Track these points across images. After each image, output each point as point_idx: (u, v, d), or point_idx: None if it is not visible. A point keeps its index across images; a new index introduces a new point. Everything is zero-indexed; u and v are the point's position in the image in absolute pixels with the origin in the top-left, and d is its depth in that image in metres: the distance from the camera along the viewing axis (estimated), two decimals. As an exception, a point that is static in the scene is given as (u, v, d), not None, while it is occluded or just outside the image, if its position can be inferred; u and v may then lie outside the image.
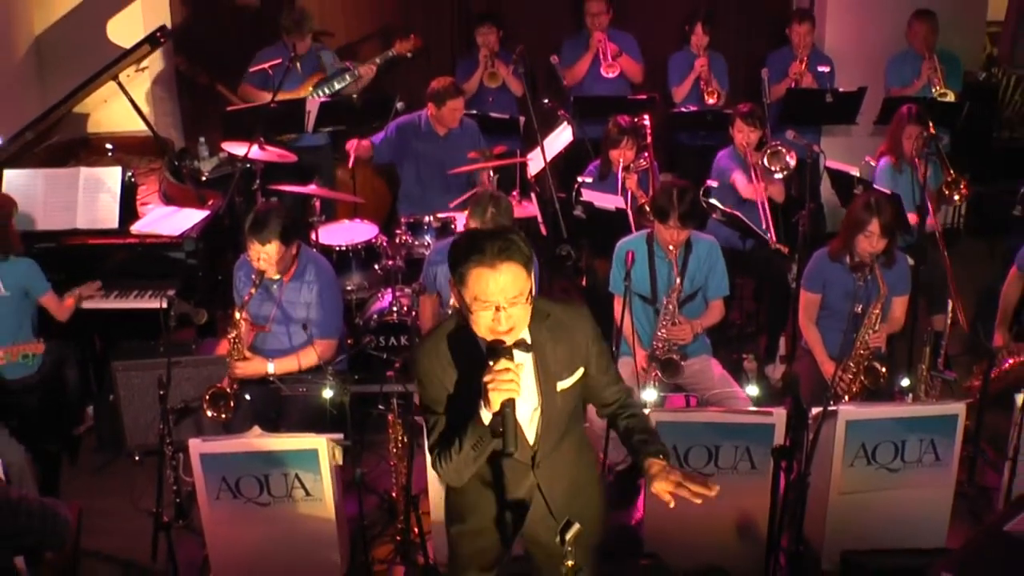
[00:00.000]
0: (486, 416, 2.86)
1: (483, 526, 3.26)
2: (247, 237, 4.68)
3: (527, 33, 7.65)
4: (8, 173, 5.92)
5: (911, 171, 6.00)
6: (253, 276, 4.73)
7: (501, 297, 2.81)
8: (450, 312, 4.92)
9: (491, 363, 2.80)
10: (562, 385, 3.07)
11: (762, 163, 6.06)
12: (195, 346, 5.52)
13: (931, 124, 5.96)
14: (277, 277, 4.83)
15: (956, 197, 5.84)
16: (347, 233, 6.36)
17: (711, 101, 7.20)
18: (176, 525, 4.76)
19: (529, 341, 2.94)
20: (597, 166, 6.28)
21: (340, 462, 4.33)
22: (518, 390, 2.81)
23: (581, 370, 3.10)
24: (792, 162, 6.07)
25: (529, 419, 3.04)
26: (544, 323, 3.01)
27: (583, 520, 2.95)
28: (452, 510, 3.37)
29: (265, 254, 4.66)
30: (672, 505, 2.93)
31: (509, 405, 2.80)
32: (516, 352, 2.85)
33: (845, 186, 6.03)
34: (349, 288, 5.94)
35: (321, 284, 4.91)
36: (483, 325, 2.86)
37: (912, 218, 5.74)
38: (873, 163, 6.18)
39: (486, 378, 2.80)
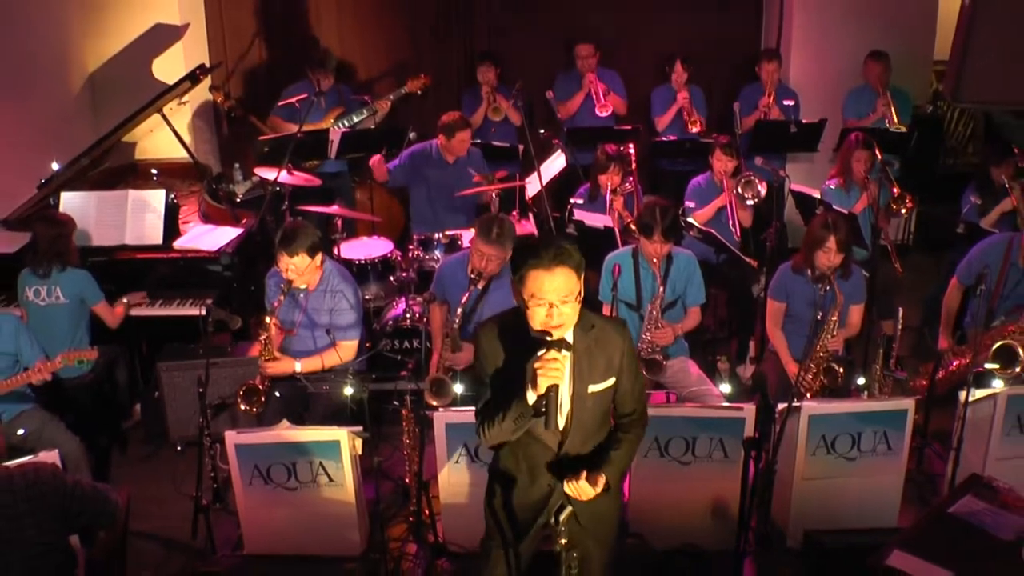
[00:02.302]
0: (531, 396, 2.91)
1: (516, 501, 3.27)
2: (277, 250, 4.67)
3: (523, 69, 7.64)
4: (65, 195, 5.94)
5: (858, 191, 6.02)
6: (282, 285, 4.73)
7: (555, 296, 2.90)
8: (456, 320, 4.96)
9: (542, 352, 2.87)
10: (593, 388, 3.09)
11: (736, 191, 6.07)
12: (230, 349, 5.53)
13: (878, 149, 5.98)
14: (303, 286, 4.82)
15: (903, 211, 5.86)
16: (365, 248, 6.37)
17: (694, 130, 7.17)
18: (214, 507, 4.76)
19: (571, 343, 2.98)
20: (588, 189, 6.27)
21: (359, 452, 4.35)
22: (562, 377, 2.89)
23: (613, 379, 3.13)
24: (763, 191, 6.07)
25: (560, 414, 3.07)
26: (589, 332, 3.06)
27: (603, 513, 3.12)
28: (491, 488, 3.38)
29: (293, 265, 4.66)
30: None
31: (553, 390, 2.87)
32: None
33: (807, 207, 6.04)
34: (367, 297, 5.94)
35: (343, 293, 4.89)
36: (538, 320, 2.93)
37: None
38: (828, 186, 6.21)
39: (536, 364, 2.86)
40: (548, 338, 2.91)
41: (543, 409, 2.92)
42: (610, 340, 3.12)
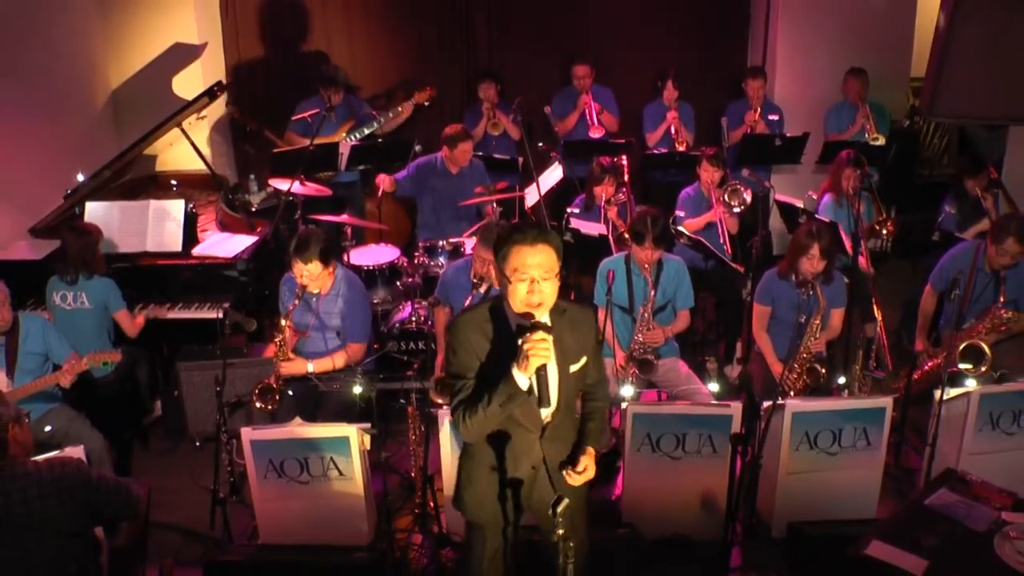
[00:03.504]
0: (520, 377, 2.89)
1: (497, 490, 3.26)
2: (292, 257, 4.68)
3: (522, 86, 7.65)
4: (89, 205, 5.95)
5: (848, 206, 6.04)
6: (296, 290, 4.74)
7: (537, 271, 2.90)
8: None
9: (529, 333, 2.86)
10: (573, 368, 3.12)
11: (724, 199, 6.08)
12: (246, 349, 5.51)
13: (866, 166, 6.00)
14: (316, 291, 4.84)
15: (884, 232, 5.87)
16: (374, 255, 6.37)
17: (681, 149, 7.20)
18: (230, 500, 4.76)
19: (549, 325, 2.98)
20: (583, 199, 6.29)
21: (368, 447, 4.36)
22: (551, 356, 2.88)
23: (585, 358, 3.15)
24: (748, 199, 6.08)
25: None
26: (562, 317, 3.08)
27: (578, 490, 3.08)
28: (464, 476, 3.35)
29: (307, 271, 4.67)
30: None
31: (543, 369, 2.87)
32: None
33: (791, 216, 6.05)
34: (375, 301, 5.94)
35: (353, 297, 4.92)
36: (519, 296, 2.93)
37: (848, 243, 5.78)
38: (815, 197, 6.21)
39: (525, 345, 2.84)
40: (531, 320, 2.91)
41: (535, 389, 2.91)
42: (581, 322, 3.15)
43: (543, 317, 2.99)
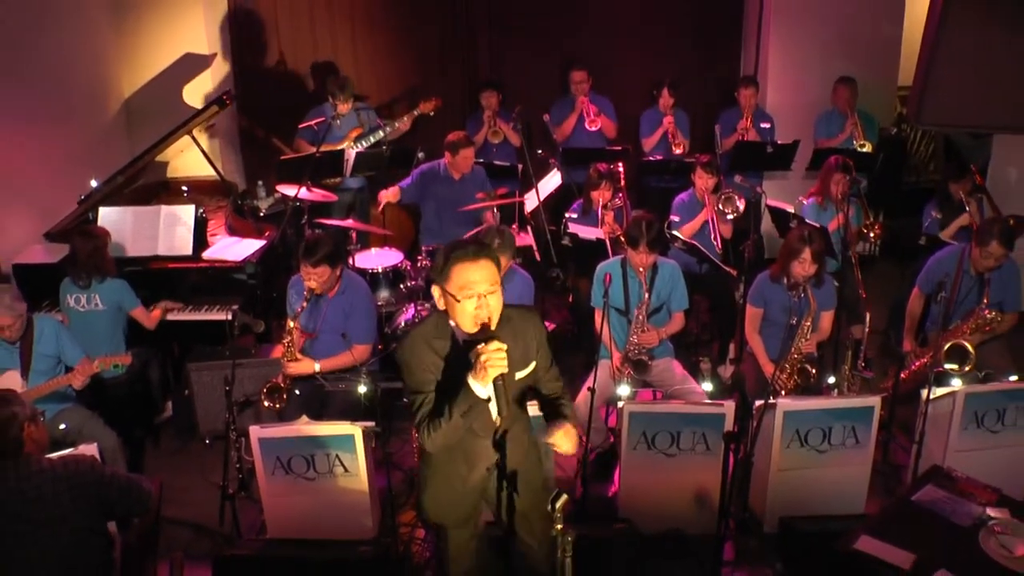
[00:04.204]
0: (478, 387, 2.88)
1: (456, 493, 3.31)
2: (300, 261, 4.68)
3: (523, 95, 7.66)
4: (103, 210, 5.96)
5: (834, 210, 6.04)
6: (304, 293, 4.73)
7: (483, 285, 2.88)
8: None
9: (485, 343, 2.83)
10: (519, 375, 3.11)
11: (717, 207, 6.09)
12: (254, 350, 5.53)
13: (854, 171, 6.00)
14: (323, 294, 4.84)
15: (872, 235, 5.87)
16: (378, 259, 6.38)
17: (678, 151, 7.21)
18: (239, 496, 4.77)
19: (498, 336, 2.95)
20: (581, 204, 6.28)
21: (372, 444, 4.36)
22: (506, 366, 2.85)
23: (533, 364, 3.16)
24: (742, 206, 6.08)
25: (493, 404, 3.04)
26: (507, 325, 3.03)
27: (534, 486, 3.17)
28: (424, 480, 3.37)
29: (315, 275, 4.66)
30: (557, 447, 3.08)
31: (500, 379, 2.85)
32: None
33: (782, 220, 6.04)
34: (379, 303, 5.96)
35: (359, 300, 4.91)
36: (468, 313, 2.90)
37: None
38: (805, 202, 6.21)
39: (482, 356, 2.82)
40: (482, 332, 2.88)
41: (493, 398, 2.90)
42: (525, 329, 3.13)
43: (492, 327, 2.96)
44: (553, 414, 3.28)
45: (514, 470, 3.18)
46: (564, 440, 3.07)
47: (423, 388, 3.04)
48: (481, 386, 2.89)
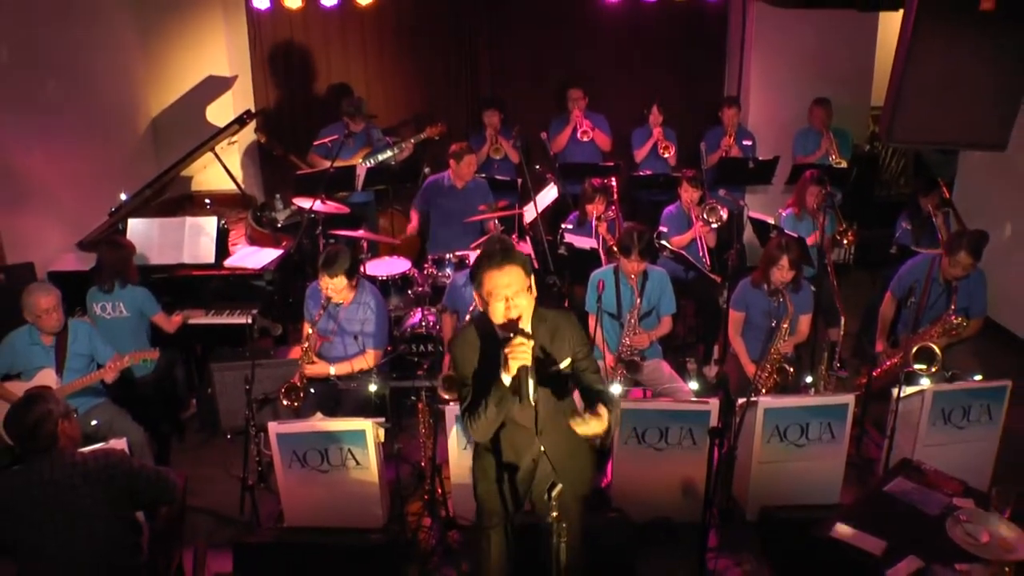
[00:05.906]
0: (506, 379, 2.92)
1: (501, 485, 3.31)
2: (320, 271, 4.65)
3: (522, 116, 7.65)
4: (132, 221, 5.98)
5: (811, 220, 6.05)
6: (322, 300, 4.72)
7: (508, 290, 2.96)
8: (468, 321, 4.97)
9: (512, 339, 2.88)
10: (561, 366, 3.14)
11: (703, 216, 6.10)
12: (273, 352, 5.54)
13: (828, 184, 6.02)
14: (339, 302, 4.83)
15: (845, 241, 5.89)
16: (387, 266, 6.37)
17: (666, 155, 7.21)
18: (258, 487, 4.78)
19: (531, 332, 3.00)
20: (576, 216, 6.30)
21: (382, 439, 4.36)
22: (530, 358, 2.88)
23: (570, 359, 3.17)
24: (724, 215, 6.10)
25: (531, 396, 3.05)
26: (545, 323, 3.12)
27: (577, 477, 3.10)
28: (477, 472, 3.41)
29: (332, 284, 4.65)
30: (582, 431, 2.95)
31: (523, 371, 2.87)
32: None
33: (763, 231, 6.06)
34: (389, 308, 5.97)
35: (375, 308, 4.88)
36: (498, 313, 2.98)
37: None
38: (783, 213, 6.22)
39: (506, 349, 2.87)
40: (513, 330, 2.93)
41: (517, 388, 2.91)
42: (563, 328, 3.17)
43: (526, 326, 3.02)
44: (591, 404, 3.27)
45: (560, 464, 3.22)
46: (583, 424, 2.96)
47: (468, 381, 3.13)
48: (508, 378, 2.92)
